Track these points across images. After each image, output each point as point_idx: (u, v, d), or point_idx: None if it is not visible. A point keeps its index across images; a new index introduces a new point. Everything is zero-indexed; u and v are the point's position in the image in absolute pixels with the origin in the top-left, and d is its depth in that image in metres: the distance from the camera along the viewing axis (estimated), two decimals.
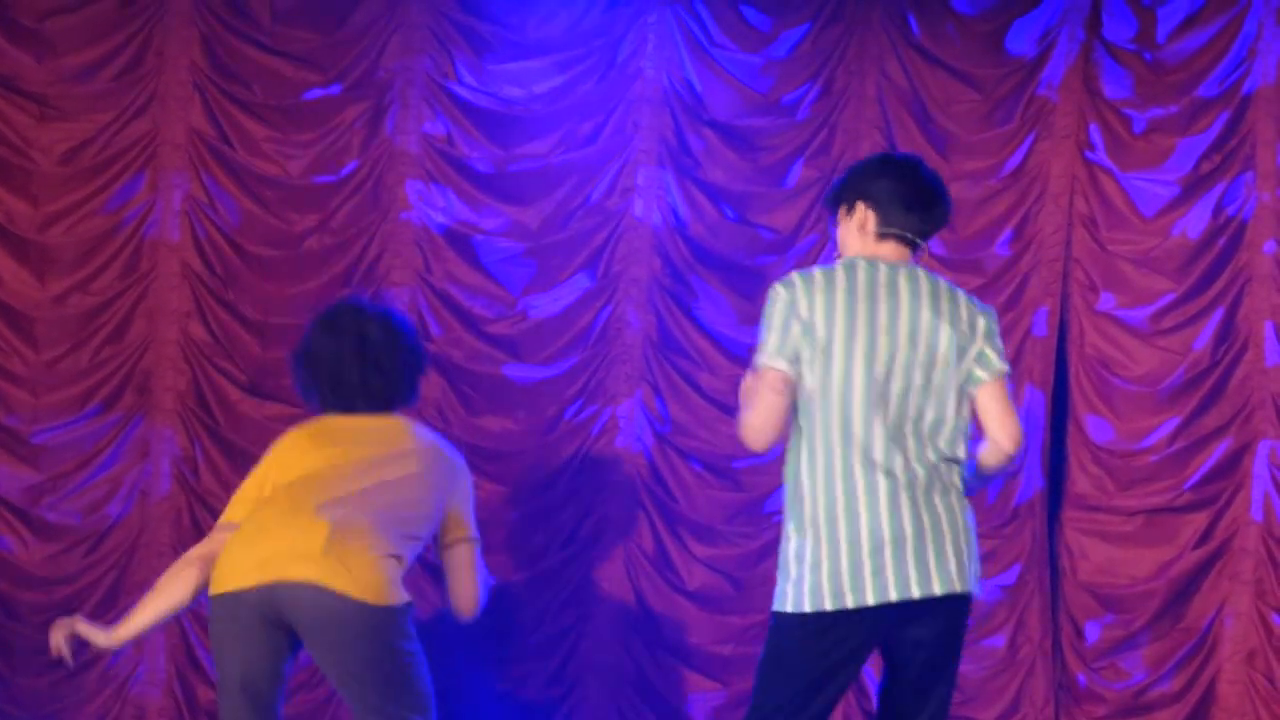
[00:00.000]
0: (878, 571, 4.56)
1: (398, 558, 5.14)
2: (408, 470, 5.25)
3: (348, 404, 5.38)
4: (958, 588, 4.62)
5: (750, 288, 7.26)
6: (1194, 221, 7.28)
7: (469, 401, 7.29)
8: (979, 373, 4.68)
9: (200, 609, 7.14)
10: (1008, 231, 7.35)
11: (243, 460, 7.10)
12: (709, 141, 7.35)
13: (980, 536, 7.14)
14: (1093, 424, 7.29)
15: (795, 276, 4.68)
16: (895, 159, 4.94)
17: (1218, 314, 7.26)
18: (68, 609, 7.10)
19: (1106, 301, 7.31)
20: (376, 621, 5.04)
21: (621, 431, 7.33)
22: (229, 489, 7.00)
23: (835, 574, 4.56)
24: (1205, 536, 7.24)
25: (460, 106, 7.32)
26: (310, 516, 5.08)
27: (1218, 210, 7.27)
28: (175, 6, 7.21)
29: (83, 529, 7.16)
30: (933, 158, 7.28)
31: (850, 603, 4.56)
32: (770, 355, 4.63)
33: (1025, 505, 7.28)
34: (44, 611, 7.07)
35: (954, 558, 4.62)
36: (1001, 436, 4.69)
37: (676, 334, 7.32)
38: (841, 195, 4.82)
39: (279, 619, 5.07)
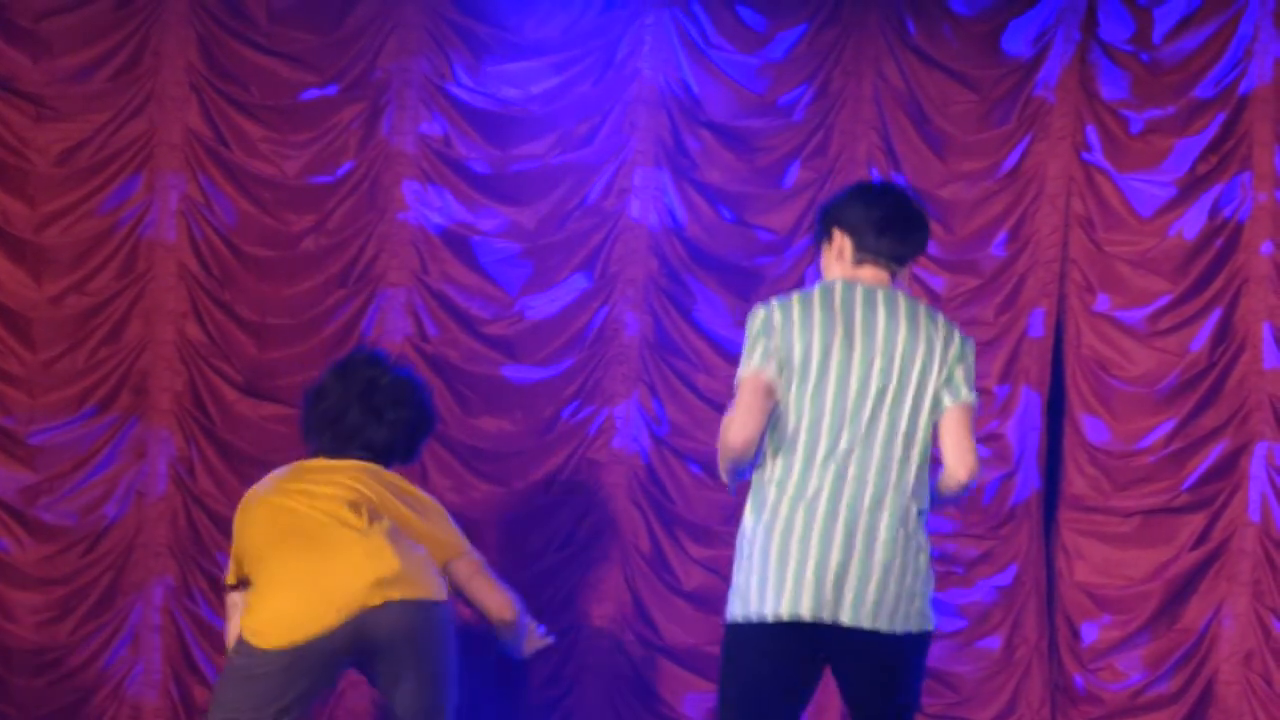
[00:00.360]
0: (798, 586, 4.55)
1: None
2: (387, 497, 5.34)
3: (341, 446, 5.40)
4: (869, 625, 4.58)
5: (747, 289, 7.26)
6: (1191, 222, 7.27)
7: (466, 402, 7.29)
8: (945, 399, 4.67)
9: (195, 609, 7.18)
10: (1004, 232, 7.34)
11: (239, 461, 7.10)
12: (705, 142, 7.35)
13: (976, 537, 7.23)
14: (1089, 425, 7.28)
15: (772, 301, 4.71)
16: (870, 185, 4.94)
17: (1215, 315, 7.25)
18: (64, 610, 7.11)
19: (1103, 302, 7.30)
20: (443, 617, 5.22)
21: (618, 432, 7.33)
22: (226, 490, 7.02)
23: (763, 582, 4.60)
24: (1202, 538, 7.23)
25: (457, 107, 7.32)
26: (354, 537, 5.13)
27: (1214, 211, 7.26)
28: (172, 7, 7.20)
29: (79, 530, 7.15)
30: (929, 158, 7.29)
31: (768, 612, 4.57)
32: (752, 368, 4.64)
33: (1021, 506, 7.27)
34: (40, 612, 7.07)
35: (875, 594, 4.57)
36: (957, 465, 4.67)
37: (673, 335, 7.32)
38: (820, 224, 4.85)
39: (355, 648, 5.13)
